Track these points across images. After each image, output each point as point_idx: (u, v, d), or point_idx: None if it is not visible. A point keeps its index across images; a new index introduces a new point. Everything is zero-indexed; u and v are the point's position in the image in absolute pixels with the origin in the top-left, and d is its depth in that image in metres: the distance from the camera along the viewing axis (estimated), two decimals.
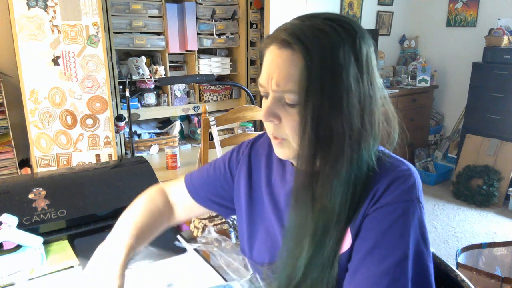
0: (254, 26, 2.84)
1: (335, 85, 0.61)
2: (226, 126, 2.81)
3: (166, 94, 2.64)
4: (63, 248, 1.08)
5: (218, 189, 0.91)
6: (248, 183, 0.86)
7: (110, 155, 2.19)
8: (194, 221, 1.60)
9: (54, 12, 1.93)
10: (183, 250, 1.07)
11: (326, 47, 0.61)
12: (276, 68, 0.64)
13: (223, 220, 1.27)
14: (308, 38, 0.61)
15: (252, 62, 2.91)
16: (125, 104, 2.37)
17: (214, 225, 1.23)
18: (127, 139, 2.39)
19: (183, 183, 0.95)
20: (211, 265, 0.98)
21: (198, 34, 2.65)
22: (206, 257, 1.03)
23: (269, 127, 0.70)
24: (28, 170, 2.13)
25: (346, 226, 0.66)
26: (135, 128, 2.55)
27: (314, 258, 0.65)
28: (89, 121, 2.11)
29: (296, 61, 0.62)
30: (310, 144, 0.63)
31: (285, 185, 0.79)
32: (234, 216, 1.33)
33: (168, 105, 2.65)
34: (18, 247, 1.01)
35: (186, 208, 0.95)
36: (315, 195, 0.66)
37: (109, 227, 1.15)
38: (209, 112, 2.48)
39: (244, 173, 0.87)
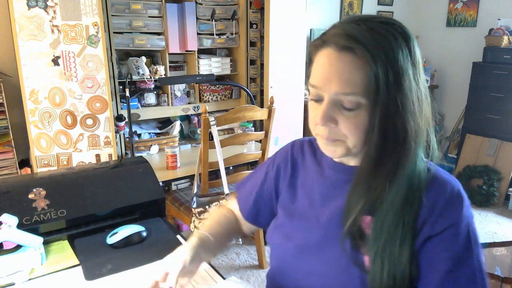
0: (254, 26, 2.83)
1: (400, 87, 0.64)
2: (226, 126, 2.81)
3: (166, 94, 2.64)
4: (63, 248, 1.08)
5: (265, 207, 0.94)
6: (288, 188, 0.87)
7: (110, 155, 2.19)
8: (194, 221, 1.59)
9: (54, 12, 1.93)
10: None
11: (387, 50, 0.63)
12: (337, 72, 0.64)
13: None
14: (370, 42, 0.62)
15: (252, 62, 2.91)
16: (125, 104, 2.37)
17: None
18: (127, 139, 2.39)
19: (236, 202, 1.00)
20: (211, 265, 0.98)
21: (198, 34, 2.65)
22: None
23: (321, 131, 0.70)
24: (28, 170, 2.13)
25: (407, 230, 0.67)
26: (135, 128, 2.55)
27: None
28: (89, 121, 2.11)
29: (359, 65, 0.63)
30: (376, 145, 0.65)
31: (324, 180, 0.80)
32: None
33: (168, 105, 2.65)
34: (18, 247, 1.01)
35: (243, 221, 0.99)
36: (372, 191, 0.68)
37: (109, 227, 1.15)
38: (209, 112, 2.48)
39: (285, 180, 0.88)
